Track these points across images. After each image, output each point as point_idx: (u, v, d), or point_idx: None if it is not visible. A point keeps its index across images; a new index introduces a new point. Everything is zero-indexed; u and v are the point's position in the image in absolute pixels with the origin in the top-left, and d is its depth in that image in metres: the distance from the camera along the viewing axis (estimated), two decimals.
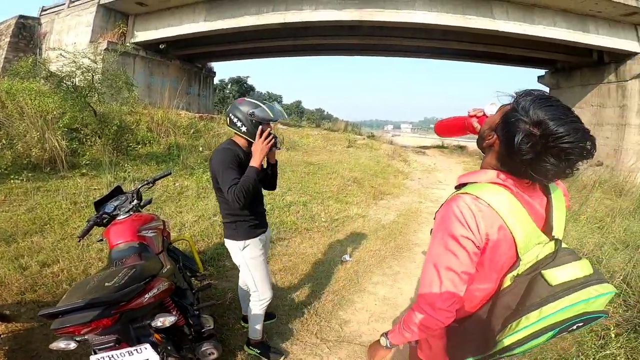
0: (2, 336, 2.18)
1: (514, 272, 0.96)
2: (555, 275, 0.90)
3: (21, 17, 15.93)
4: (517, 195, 0.96)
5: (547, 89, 17.45)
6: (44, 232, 3.66)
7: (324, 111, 54.25)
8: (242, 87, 36.60)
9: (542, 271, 0.91)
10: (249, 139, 1.96)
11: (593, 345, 2.51)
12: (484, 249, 0.96)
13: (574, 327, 0.91)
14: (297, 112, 44.15)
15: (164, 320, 1.55)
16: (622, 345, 2.45)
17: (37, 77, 8.14)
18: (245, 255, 2.08)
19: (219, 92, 33.35)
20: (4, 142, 5.31)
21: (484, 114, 1.20)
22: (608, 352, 2.36)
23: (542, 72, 17.61)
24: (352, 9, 12.25)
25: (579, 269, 0.91)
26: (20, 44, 15.51)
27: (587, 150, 0.86)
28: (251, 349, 2.33)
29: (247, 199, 1.81)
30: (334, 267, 3.71)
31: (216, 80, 25.08)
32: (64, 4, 15.85)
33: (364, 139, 15.91)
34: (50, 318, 1.37)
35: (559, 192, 1.05)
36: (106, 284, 1.48)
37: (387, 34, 14.59)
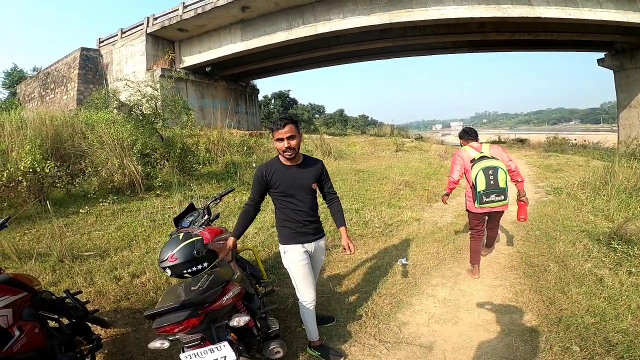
0: (102, 341, 2.44)
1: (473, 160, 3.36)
2: (478, 157, 3.33)
3: (83, 49, 17.34)
4: (472, 147, 3.45)
5: (610, 72, 15.99)
6: (132, 247, 4.19)
7: (367, 117, 53.92)
8: (285, 101, 37.85)
9: (476, 158, 3.33)
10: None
11: None
12: (462, 157, 3.43)
13: (490, 172, 3.16)
14: (340, 120, 44.34)
15: (240, 320, 1.75)
16: None
17: (109, 107, 8.90)
18: (287, 258, 2.32)
19: (264, 108, 34.82)
20: (90, 169, 6.14)
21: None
22: None
23: (600, 54, 16.27)
24: (379, 13, 12.36)
25: (482, 152, 3.37)
26: (88, 75, 17.06)
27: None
28: (312, 351, 2.46)
29: None
30: (390, 271, 3.73)
31: (260, 97, 26.30)
32: (117, 34, 17.51)
33: (412, 141, 15.57)
34: (152, 318, 1.61)
35: (487, 145, 3.48)
36: (192, 288, 1.72)
37: (419, 33, 14.44)
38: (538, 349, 2.43)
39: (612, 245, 3.83)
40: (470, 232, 3.63)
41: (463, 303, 3.10)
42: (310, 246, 2.35)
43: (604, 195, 5.73)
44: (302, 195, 2.30)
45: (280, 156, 2.28)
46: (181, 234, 2.06)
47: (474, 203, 3.30)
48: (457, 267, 3.80)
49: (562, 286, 3.17)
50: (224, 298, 1.77)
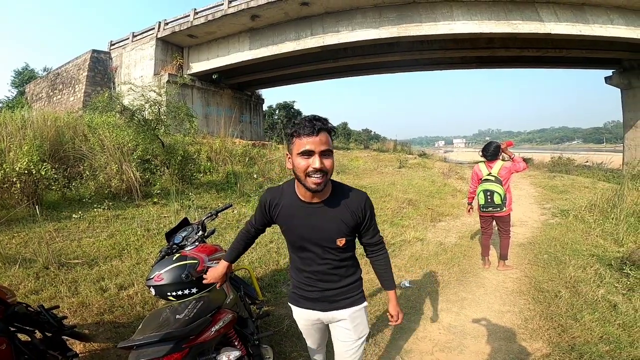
0: (79, 355, 2.25)
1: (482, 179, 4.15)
2: (484, 178, 4.08)
3: (94, 51, 17.35)
4: (486, 164, 4.16)
5: (615, 91, 16.07)
6: (122, 256, 4.00)
7: (371, 131, 53.92)
8: (290, 112, 37.97)
9: (482, 178, 4.12)
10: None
11: None
12: (477, 173, 4.23)
13: (488, 194, 3.98)
14: (344, 134, 44.37)
15: (229, 356, 1.58)
16: None
17: (112, 110, 8.66)
18: (293, 314, 1.76)
19: (268, 118, 34.86)
20: (88, 173, 6.00)
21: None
22: None
23: (608, 72, 16.28)
24: (388, 27, 12.34)
25: (488, 175, 4.05)
26: (96, 77, 17.01)
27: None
28: None
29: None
30: None
31: (265, 107, 26.35)
32: (128, 38, 17.54)
33: (415, 158, 15.48)
34: (127, 349, 1.43)
35: (498, 163, 4.06)
36: (177, 316, 1.54)
37: (427, 47, 14.43)
38: None
39: (625, 271, 3.68)
40: (481, 230, 4.49)
41: (469, 330, 2.92)
42: (322, 316, 1.64)
43: (612, 219, 5.57)
44: (318, 253, 1.52)
45: (297, 182, 1.45)
46: (176, 255, 1.93)
47: (479, 209, 4.19)
48: (462, 292, 3.61)
49: (574, 313, 3.02)
50: (213, 329, 1.59)
